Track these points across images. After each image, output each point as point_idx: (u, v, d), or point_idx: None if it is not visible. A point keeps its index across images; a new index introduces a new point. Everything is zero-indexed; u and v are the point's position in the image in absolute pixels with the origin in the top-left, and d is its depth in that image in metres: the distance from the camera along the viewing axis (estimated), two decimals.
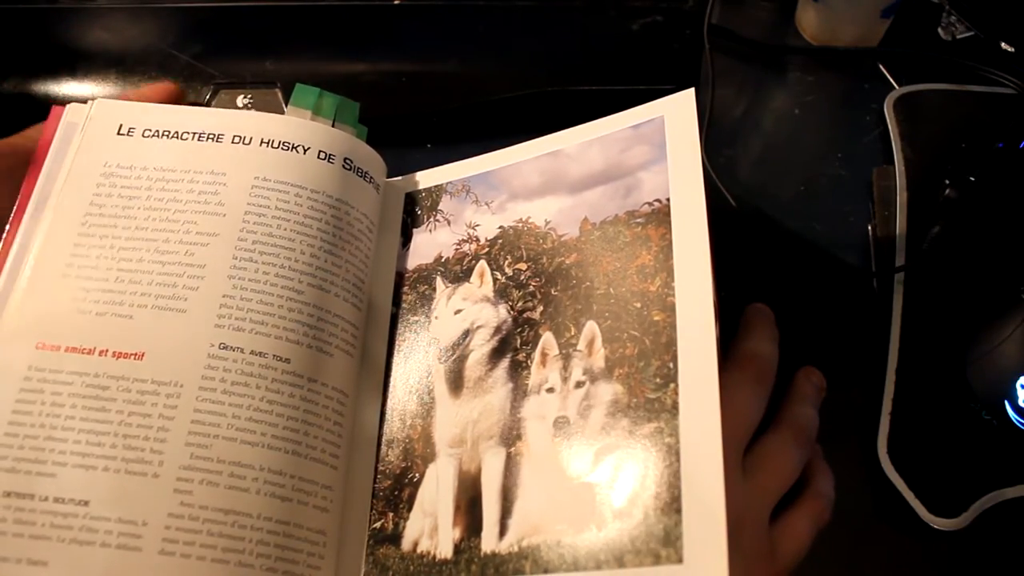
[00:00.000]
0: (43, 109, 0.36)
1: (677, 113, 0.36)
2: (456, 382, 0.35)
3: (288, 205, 0.35)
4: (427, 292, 0.38)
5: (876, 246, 0.47)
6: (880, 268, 0.46)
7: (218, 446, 0.31)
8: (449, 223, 0.39)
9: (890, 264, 0.45)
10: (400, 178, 0.41)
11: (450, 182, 0.40)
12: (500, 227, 0.38)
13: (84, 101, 0.37)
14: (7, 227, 0.34)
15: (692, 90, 0.36)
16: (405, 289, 0.38)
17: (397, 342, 0.37)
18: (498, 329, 0.35)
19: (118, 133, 0.36)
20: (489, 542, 0.31)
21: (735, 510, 0.27)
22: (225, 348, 0.32)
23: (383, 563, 0.32)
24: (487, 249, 0.38)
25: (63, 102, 0.37)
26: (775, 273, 0.46)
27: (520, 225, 0.37)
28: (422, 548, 0.32)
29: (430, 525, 0.32)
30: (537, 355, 0.34)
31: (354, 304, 0.36)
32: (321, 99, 0.39)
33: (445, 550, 0.31)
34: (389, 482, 0.34)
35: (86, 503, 0.29)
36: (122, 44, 0.50)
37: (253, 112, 0.38)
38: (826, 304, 0.46)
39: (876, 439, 0.40)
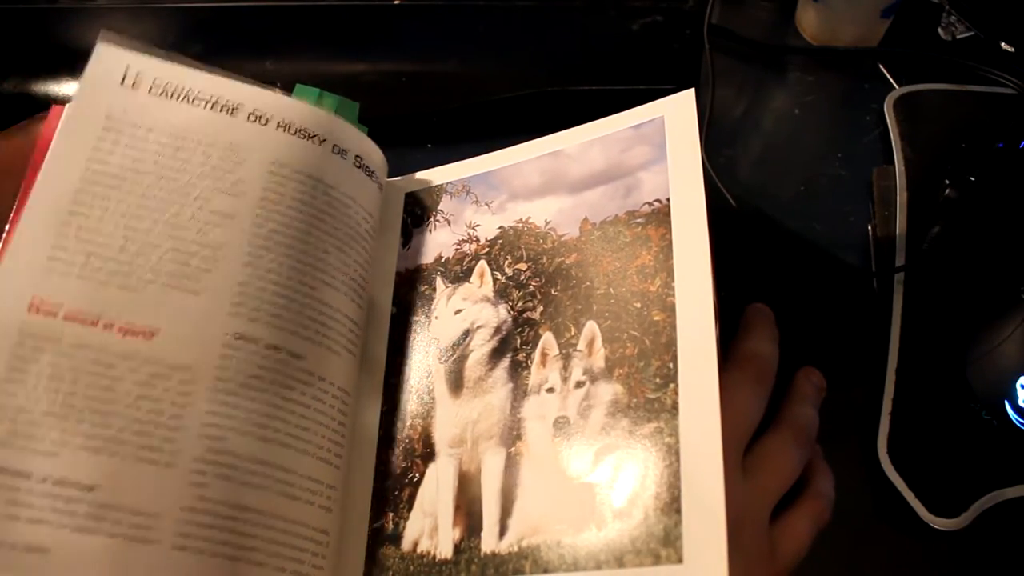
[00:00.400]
0: (43, 109, 0.36)
1: (677, 113, 0.36)
2: (456, 382, 0.35)
3: (304, 196, 0.34)
4: (427, 292, 0.38)
5: (876, 246, 0.47)
6: (880, 268, 0.46)
7: (233, 440, 0.30)
8: (449, 223, 0.39)
9: (890, 264, 0.45)
10: (400, 178, 0.41)
11: (450, 182, 0.40)
12: (500, 227, 0.38)
13: None
14: (7, 227, 0.34)
15: (692, 90, 0.36)
16: (405, 289, 0.38)
17: (397, 342, 0.37)
18: (498, 329, 0.35)
19: (122, 83, 0.34)
20: (489, 542, 0.31)
21: (735, 510, 0.27)
22: (241, 338, 0.31)
23: (383, 563, 0.32)
24: (487, 249, 0.38)
25: (63, 102, 0.37)
26: (775, 273, 0.46)
27: (520, 225, 0.37)
28: (422, 548, 0.32)
29: (430, 525, 0.32)
30: (537, 355, 0.34)
31: (357, 303, 0.36)
32: (321, 99, 0.39)
33: (445, 550, 0.31)
34: (389, 482, 0.34)
35: (91, 488, 0.27)
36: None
37: (269, 89, 0.36)
38: (826, 304, 0.46)
39: (876, 439, 0.40)
